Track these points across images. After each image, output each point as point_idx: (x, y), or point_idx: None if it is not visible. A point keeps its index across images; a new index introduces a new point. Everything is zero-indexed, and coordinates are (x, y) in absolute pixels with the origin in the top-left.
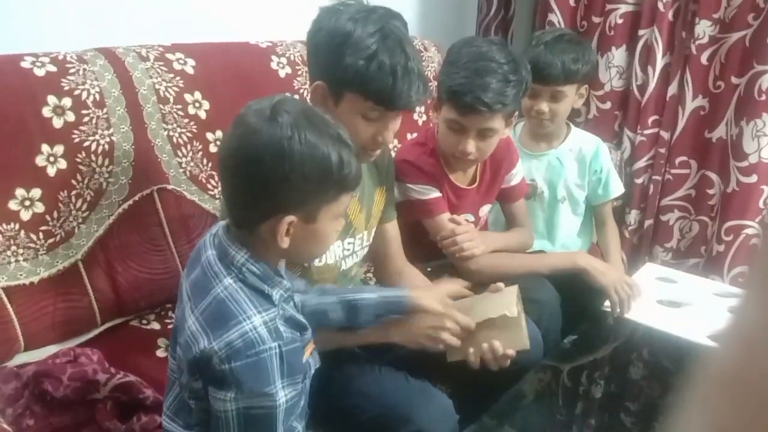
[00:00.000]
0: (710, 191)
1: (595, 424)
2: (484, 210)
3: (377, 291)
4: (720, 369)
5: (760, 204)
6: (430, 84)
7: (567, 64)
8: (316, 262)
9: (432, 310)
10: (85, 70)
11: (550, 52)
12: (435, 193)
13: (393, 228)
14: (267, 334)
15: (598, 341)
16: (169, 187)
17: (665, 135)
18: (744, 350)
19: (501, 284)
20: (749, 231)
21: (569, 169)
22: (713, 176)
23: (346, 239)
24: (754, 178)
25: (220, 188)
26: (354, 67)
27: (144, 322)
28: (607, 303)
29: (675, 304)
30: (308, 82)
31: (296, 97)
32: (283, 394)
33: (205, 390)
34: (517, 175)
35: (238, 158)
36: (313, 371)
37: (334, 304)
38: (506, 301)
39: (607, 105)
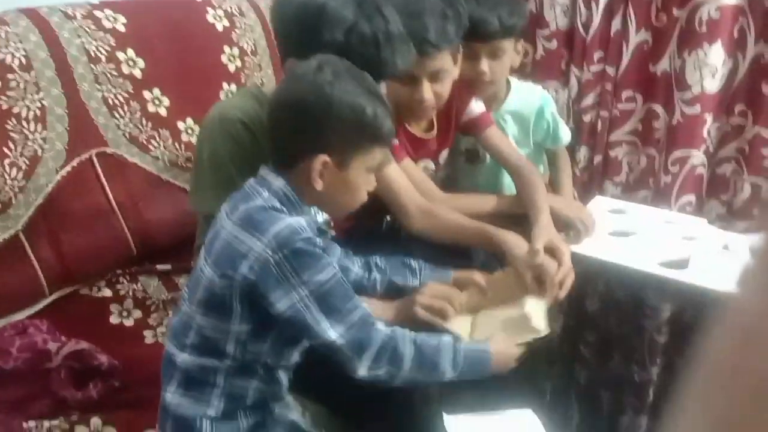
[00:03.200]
0: (656, 124)
1: (555, 358)
2: (443, 156)
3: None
4: (718, 360)
5: (704, 134)
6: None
7: (504, 17)
8: None
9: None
10: (7, 32)
11: (484, 7)
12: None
13: (395, 170)
14: (307, 227)
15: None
16: (109, 150)
17: (611, 71)
18: (742, 341)
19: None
20: (694, 160)
21: (511, 134)
22: (659, 109)
23: None
24: (697, 109)
25: (162, 148)
26: (334, 44)
27: (95, 289)
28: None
29: (626, 234)
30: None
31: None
32: (336, 265)
33: (253, 308)
34: (474, 107)
35: (284, 100)
36: None
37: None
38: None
39: (553, 44)
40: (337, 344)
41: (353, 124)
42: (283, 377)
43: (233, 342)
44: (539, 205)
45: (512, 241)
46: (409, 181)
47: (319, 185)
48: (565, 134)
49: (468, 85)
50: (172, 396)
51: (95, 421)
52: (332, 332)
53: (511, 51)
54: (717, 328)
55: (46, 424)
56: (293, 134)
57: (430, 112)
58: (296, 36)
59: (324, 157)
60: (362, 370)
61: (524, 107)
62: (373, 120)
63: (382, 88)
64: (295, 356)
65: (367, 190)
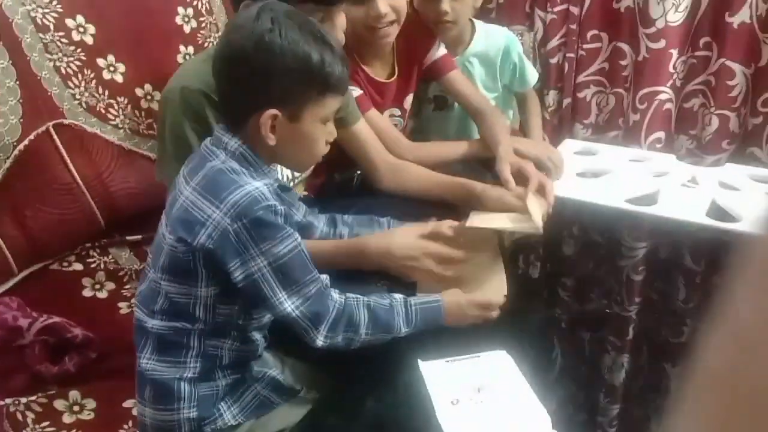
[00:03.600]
0: (623, 62)
1: (535, 302)
2: (408, 101)
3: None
4: (712, 369)
5: (670, 68)
6: None
7: None
8: None
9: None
10: None
11: None
12: (356, 91)
13: (362, 127)
14: (269, 193)
15: None
16: (66, 121)
17: (575, 10)
18: (736, 350)
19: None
20: (662, 96)
21: (478, 76)
22: (624, 47)
23: None
24: (662, 44)
25: (121, 116)
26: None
27: (65, 264)
28: None
29: (596, 174)
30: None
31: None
32: (297, 236)
33: (215, 273)
34: (438, 50)
35: (225, 54)
36: None
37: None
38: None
39: None
40: (292, 316)
41: (299, 73)
42: (258, 336)
43: (202, 305)
44: (499, 138)
45: (485, 190)
46: (376, 136)
47: (271, 140)
48: (532, 76)
49: (430, 27)
50: (147, 362)
51: (74, 393)
52: (288, 304)
53: None
54: (712, 337)
55: (24, 400)
56: (237, 90)
57: (391, 31)
58: None
59: (273, 111)
60: (320, 340)
61: (490, 48)
62: (320, 67)
63: (341, 17)
64: (267, 316)
65: (327, 140)
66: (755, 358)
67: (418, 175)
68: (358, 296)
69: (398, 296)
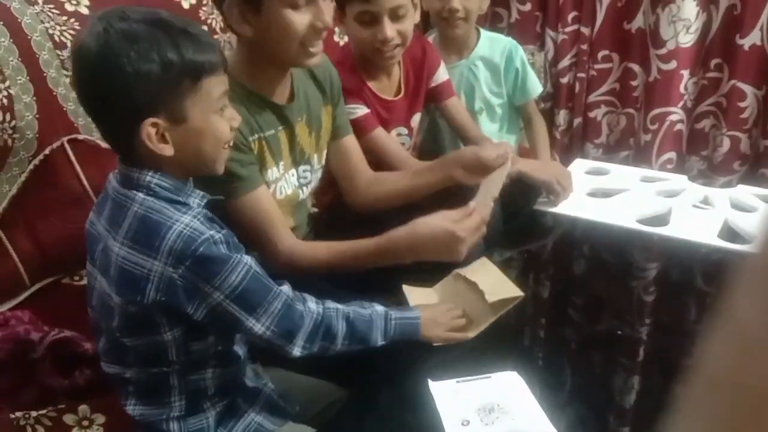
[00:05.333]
0: (633, 83)
1: (545, 322)
2: (415, 120)
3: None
4: (714, 372)
5: (681, 89)
6: None
7: None
8: (278, 195)
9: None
10: None
11: None
12: (363, 110)
13: (351, 141)
14: (201, 225)
15: (537, 239)
16: (81, 136)
17: (586, 31)
18: (738, 353)
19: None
20: (673, 117)
21: (483, 79)
22: (635, 67)
23: (301, 166)
24: (673, 65)
25: None
26: None
27: (76, 278)
28: (540, 200)
29: (607, 193)
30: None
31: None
32: (246, 258)
33: (176, 317)
34: (441, 74)
35: (78, 83)
36: None
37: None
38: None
39: (527, 6)
40: (266, 336)
41: (157, 73)
42: (240, 350)
43: (174, 348)
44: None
45: (457, 153)
46: (384, 153)
47: (167, 150)
48: (535, 86)
49: (440, 25)
50: (133, 409)
51: (83, 408)
52: (258, 326)
53: None
54: (715, 339)
55: (34, 414)
56: (105, 114)
57: (396, 54)
58: None
59: (150, 120)
60: (296, 351)
61: (494, 53)
62: (179, 59)
63: (328, 3)
64: None
65: (231, 127)
66: (756, 360)
67: (395, 177)
68: (338, 306)
69: (379, 308)
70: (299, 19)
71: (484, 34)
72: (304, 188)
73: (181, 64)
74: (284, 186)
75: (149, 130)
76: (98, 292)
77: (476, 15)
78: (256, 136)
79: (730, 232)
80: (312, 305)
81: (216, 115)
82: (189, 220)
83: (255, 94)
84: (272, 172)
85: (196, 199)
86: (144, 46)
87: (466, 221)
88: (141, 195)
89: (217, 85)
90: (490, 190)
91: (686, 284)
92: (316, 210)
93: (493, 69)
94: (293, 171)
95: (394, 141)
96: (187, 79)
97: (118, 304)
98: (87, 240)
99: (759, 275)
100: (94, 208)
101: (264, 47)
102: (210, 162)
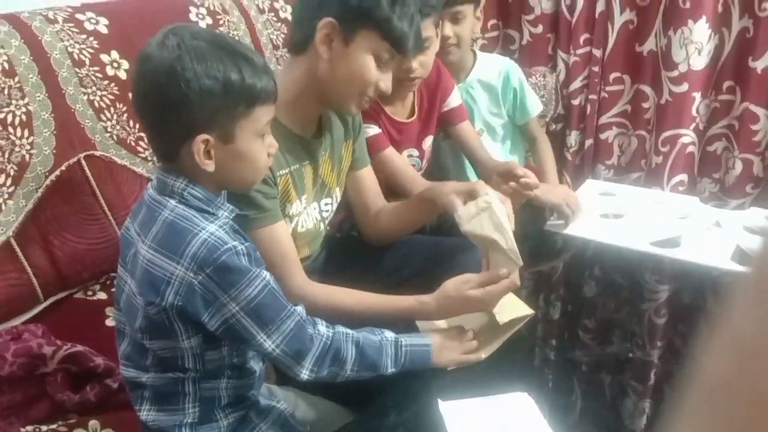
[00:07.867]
0: (645, 104)
1: (555, 343)
2: (427, 143)
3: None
4: (712, 379)
5: (693, 112)
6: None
7: None
8: (299, 229)
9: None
10: None
11: None
12: (374, 129)
13: (368, 173)
14: (225, 235)
15: (547, 261)
16: (97, 153)
17: (597, 53)
18: (736, 360)
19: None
20: (685, 139)
21: (481, 101)
22: (647, 89)
23: (323, 200)
24: (685, 87)
25: (150, 149)
26: (381, 7)
27: (89, 293)
28: (550, 221)
29: (617, 215)
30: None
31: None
32: (265, 273)
33: (193, 326)
34: (454, 99)
35: (140, 89)
36: None
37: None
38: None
39: (539, 29)
40: (274, 355)
41: (219, 93)
42: (255, 365)
43: (190, 356)
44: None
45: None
46: (394, 174)
47: (210, 167)
48: (534, 105)
49: (437, 52)
50: (147, 414)
51: (93, 423)
52: (269, 343)
53: (471, 17)
54: (712, 347)
55: (44, 428)
56: (161, 123)
57: (416, 83)
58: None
59: (203, 137)
60: (305, 374)
61: (490, 74)
62: (240, 82)
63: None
64: None
65: (269, 153)
66: (755, 367)
67: (393, 206)
68: (348, 331)
69: (389, 334)
70: (375, 72)
71: (481, 56)
72: (327, 221)
73: (243, 89)
74: (305, 220)
75: (199, 145)
76: (126, 294)
77: (469, 40)
78: (284, 171)
79: (742, 255)
80: (322, 329)
81: (259, 141)
82: (215, 229)
83: (284, 127)
84: (295, 206)
85: (225, 211)
86: (212, 65)
87: (495, 289)
88: (173, 202)
89: (266, 114)
90: (506, 240)
91: (698, 307)
92: (328, 229)
93: (490, 90)
94: (315, 204)
95: (405, 161)
96: (243, 103)
97: (140, 305)
98: (120, 243)
99: (756, 286)
100: (130, 213)
101: (324, 78)
102: (242, 183)
